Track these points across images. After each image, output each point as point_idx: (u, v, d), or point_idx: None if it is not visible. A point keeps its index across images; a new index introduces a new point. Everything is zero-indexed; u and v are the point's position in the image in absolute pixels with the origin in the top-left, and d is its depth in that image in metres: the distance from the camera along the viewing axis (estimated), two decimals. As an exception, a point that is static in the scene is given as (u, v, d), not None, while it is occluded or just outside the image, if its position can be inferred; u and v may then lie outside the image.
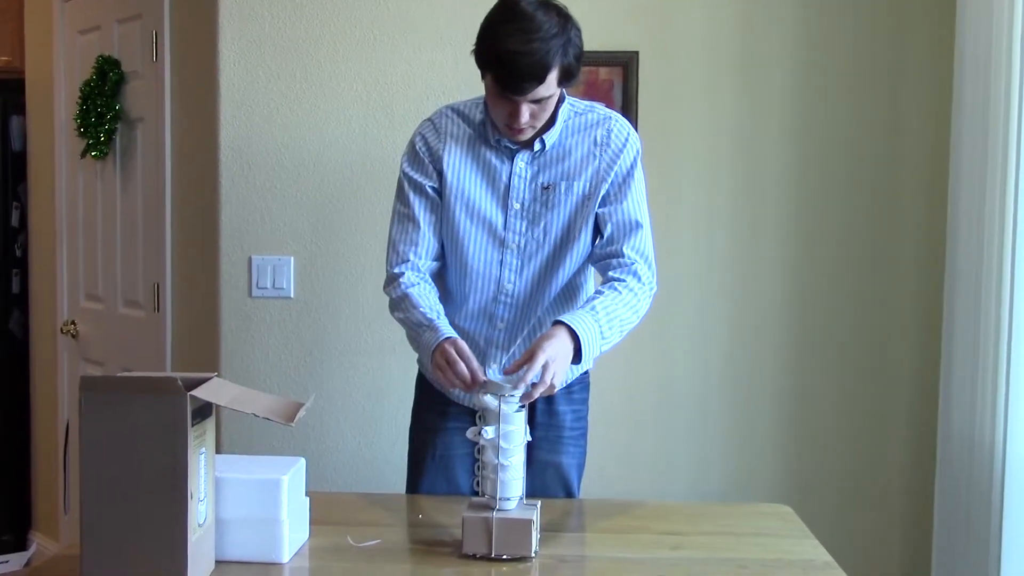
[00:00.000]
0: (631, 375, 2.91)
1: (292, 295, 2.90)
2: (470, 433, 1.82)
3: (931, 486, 2.74)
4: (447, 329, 1.97)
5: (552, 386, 1.85)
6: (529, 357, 1.84)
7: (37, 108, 3.84)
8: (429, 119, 2.15)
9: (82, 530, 1.54)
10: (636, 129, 2.16)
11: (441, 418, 2.19)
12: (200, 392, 1.54)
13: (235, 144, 2.87)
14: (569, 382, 2.19)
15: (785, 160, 2.90)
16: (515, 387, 1.80)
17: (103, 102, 3.30)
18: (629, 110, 2.81)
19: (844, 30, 2.87)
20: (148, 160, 3.25)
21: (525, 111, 1.94)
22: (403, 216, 2.13)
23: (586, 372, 2.24)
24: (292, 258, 2.89)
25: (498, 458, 1.76)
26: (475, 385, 1.87)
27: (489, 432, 1.77)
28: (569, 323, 1.91)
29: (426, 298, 2.04)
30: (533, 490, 2.03)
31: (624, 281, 2.04)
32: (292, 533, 1.73)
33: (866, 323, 2.94)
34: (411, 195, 2.11)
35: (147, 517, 1.52)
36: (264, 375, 2.90)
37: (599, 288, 2.06)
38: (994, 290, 2.41)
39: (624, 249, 2.07)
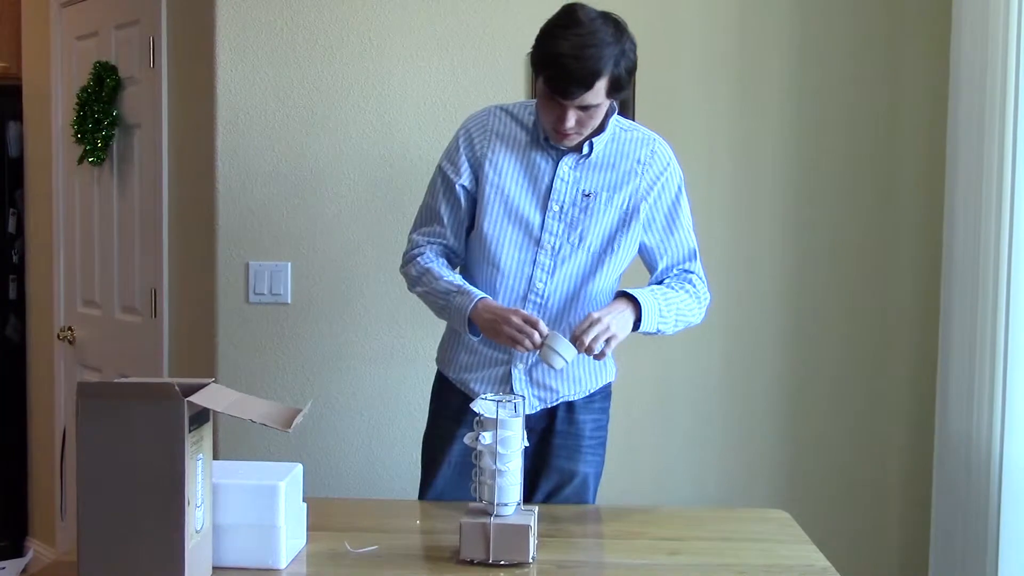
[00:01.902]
0: (629, 379, 2.90)
1: (289, 301, 2.90)
2: (468, 438, 1.82)
3: (929, 488, 2.74)
4: (478, 291, 2.04)
5: (608, 339, 1.94)
6: (591, 322, 1.93)
7: (34, 114, 3.84)
8: (478, 116, 2.17)
9: (79, 536, 1.53)
10: (633, 135, 2.17)
11: (457, 425, 2.18)
12: (197, 398, 1.54)
13: (232, 150, 2.87)
14: (592, 392, 2.20)
15: (782, 164, 2.91)
16: (576, 345, 1.93)
17: (100, 108, 3.30)
18: (625, 116, 2.80)
19: (840, 36, 2.88)
20: (145, 166, 3.25)
21: (571, 117, 1.97)
22: (428, 208, 2.19)
23: (608, 382, 2.24)
24: (289, 264, 2.89)
25: (495, 463, 1.76)
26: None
27: (487, 437, 1.77)
28: (627, 291, 2.02)
29: (448, 271, 2.11)
30: (549, 497, 2.03)
31: (681, 284, 2.15)
32: (289, 539, 1.73)
33: (864, 325, 2.94)
34: (440, 191, 2.16)
35: (144, 523, 1.52)
36: (261, 381, 2.90)
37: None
38: (991, 291, 2.41)
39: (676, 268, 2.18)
